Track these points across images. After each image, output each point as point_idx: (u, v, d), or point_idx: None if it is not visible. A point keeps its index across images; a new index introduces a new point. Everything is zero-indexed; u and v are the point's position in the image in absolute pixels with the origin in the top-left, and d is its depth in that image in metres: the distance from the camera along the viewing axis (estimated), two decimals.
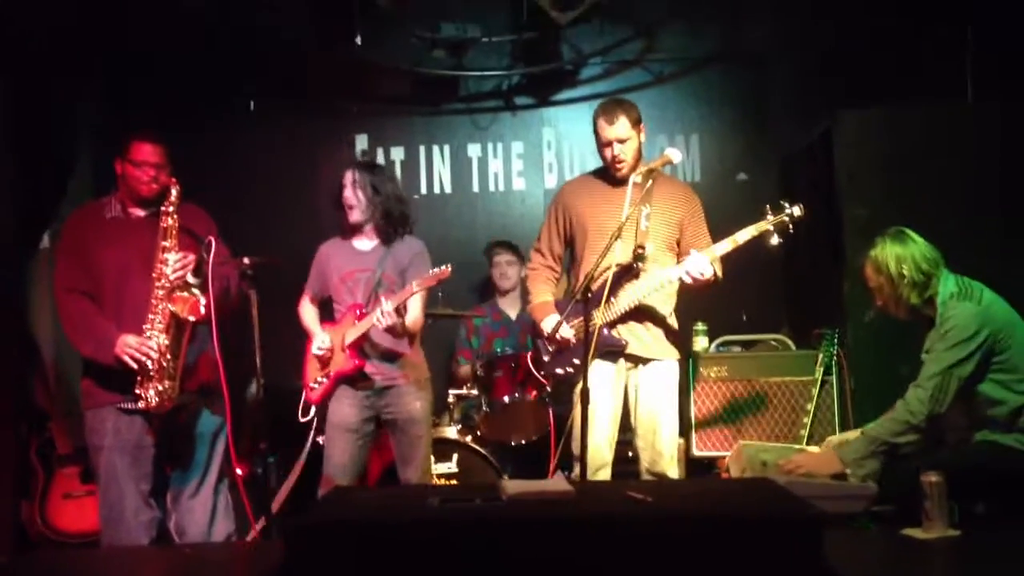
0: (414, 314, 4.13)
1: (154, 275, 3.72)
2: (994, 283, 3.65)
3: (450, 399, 4.98)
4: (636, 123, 3.94)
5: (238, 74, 5.68)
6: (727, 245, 3.87)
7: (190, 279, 3.74)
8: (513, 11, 5.67)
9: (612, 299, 3.90)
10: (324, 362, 4.17)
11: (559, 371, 4.07)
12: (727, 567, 2.52)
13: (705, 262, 3.81)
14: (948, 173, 4.74)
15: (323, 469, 4.19)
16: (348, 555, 2.56)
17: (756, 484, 3.41)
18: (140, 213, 3.87)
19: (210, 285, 3.72)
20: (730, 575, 2.50)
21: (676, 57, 5.82)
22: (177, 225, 3.76)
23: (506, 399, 4.66)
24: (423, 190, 5.92)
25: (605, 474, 4.01)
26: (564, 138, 5.91)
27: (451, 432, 4.83)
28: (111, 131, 5.26)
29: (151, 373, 3.67)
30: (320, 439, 4.41)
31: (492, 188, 5.94)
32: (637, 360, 4.02)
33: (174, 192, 3.77)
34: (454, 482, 4.71)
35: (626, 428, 4.10)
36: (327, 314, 4.31)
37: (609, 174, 4.04)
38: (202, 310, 3.69)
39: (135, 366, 3.65)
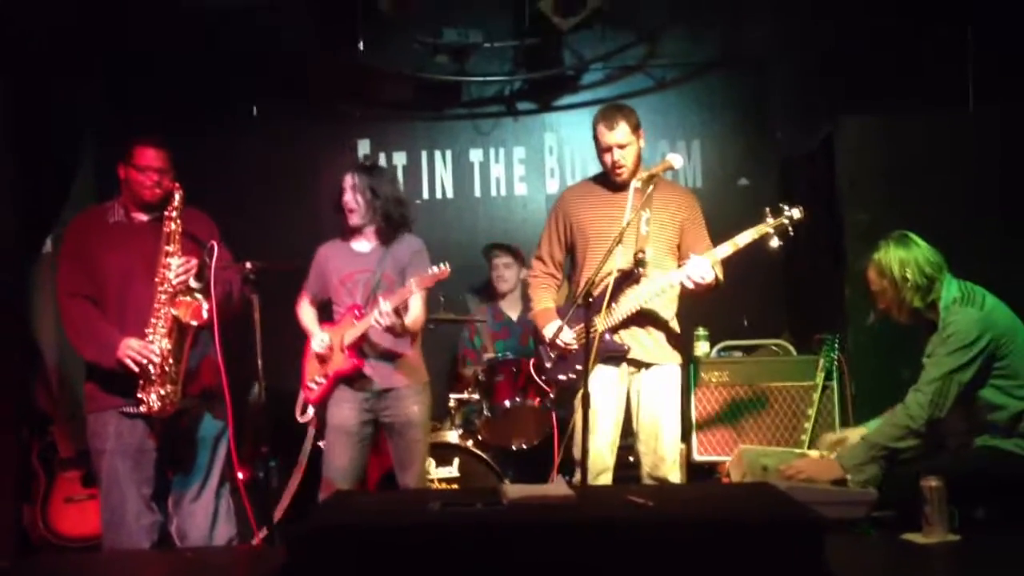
0: (415, 313, 4.13)
1: (157, 279, 3.72)
2: (995, 288, 3.66)
3: (451, 403, 4.98)
4: (636, 128, 3.95)
5: (241, 79, 5.70)
6: (727, 248, 3.88)
7: (192, 283, 3.76)
8: (515, 17, 5.69)
9: (613, 304, 3.90)
10: (324, 361, 4.18)
11: (561, 377, 4.08)
12: (728, 572, 2.53)
13: (706, 266, 3.82)
14: (949, 178, 4.76)
15: (323, 472, 4.20)
16: (350, 560, 2.57)
17: (757, 489, 3.40)
18: (143, 218, 3.88)
19: (212, 289, 3.73)
20: None
21: (677, 62, 5.83)
22: (180, 230, 3.77)
23: (507, 403, 4.66)
24: (425, 195, 5.93)
25: (606, 479, 4.02)
26: (566, 143, 5.92)
27: (452, 436, 4.83)
28: (113, 135, 5.28)
29: (153, 377, 3.67)
30: (321, 443, 4.42)
31: (494, 193, 5.95)
32: (639, 365, 4.02)
33: (177, 197, 3.78)
34: (455, 486, 4.71)
35: (627, 433, 4.10)
36: (326, 316, 4.32)
37: (609, 180, 4.05)
38: (204, 314, 3.70)
39: (137, 370, 3.66)
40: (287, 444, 4.66)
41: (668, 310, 4.05)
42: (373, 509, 3.03)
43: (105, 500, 3.83)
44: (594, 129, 3.99)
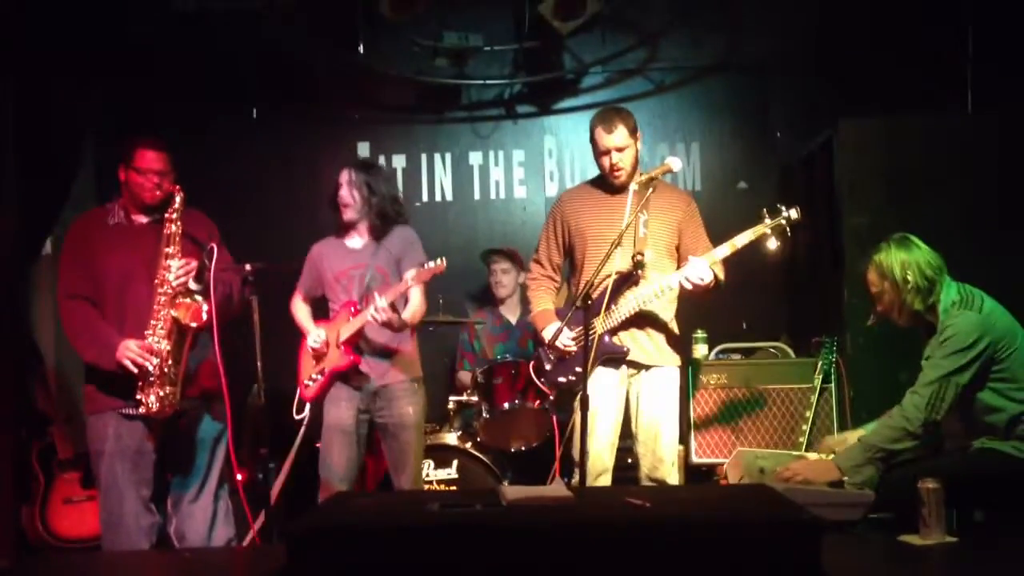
0: (414, 305, 4.14)
1: (156, 281, 3.73)
2: (993, 290, 3.66)
3: (450, 406, 4.99)
4: (633, 131, 3.96)
5: (241, 81, 5.71)
6: (726, 249, 3.89)
7: (192, 285, 3.76)
8: (515, 20, 5.70)
9: (612, 306, 3.92)
10: (319, 357, 4.18)
11: (561, 379, 4.09)
12: (725, 573, 2.53)
13: (704, 267, 3.83)
14: (948, 181, 4.78)
15: (320, 473, 4.20)
16: (349, 561, 2.58)
17: (754, 491, 3.41)
18: (143, 219, 3.89)
19: (212, 291, 3.73)
20: None
21: (677, 66, 5.84)
22: (180, 231, 3.77)
23: (506, 406, 4.66)
24: (425, 198, 5.94)
25: (605, 480, 4.03)
26: (565, 146, 5.93)
27: (451, 438, 4.84)
28: (114, 137, 5.29)
29: (152, 379, 3.68)
30: (317, 444, 4.41)
31: (493, 196, 5.96)
32: (639, 367, 4.03)
33: (178, 199, 3.78)
34: (454, 488, 4.72)
35: (626, 434, 4.12)
36: (322, 312, 4.32)
37: (607, 183, 4.06)
38: (204, 316, 3.70)
39: (136, 371, 3.67)
40: (286, 446, 4.66)
41: (667, 312, 4.07)
42: (372, 510, 3.03)
43: (104, 501, 3.84)
44: (592, 132, 4.00)
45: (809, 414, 4.75)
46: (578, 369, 3.89)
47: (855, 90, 5.45)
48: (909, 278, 3.60)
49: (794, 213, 3.86)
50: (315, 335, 4.17)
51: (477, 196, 5.96)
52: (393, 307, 3.96)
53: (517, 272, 5.29)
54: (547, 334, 4.02)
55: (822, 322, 5.08)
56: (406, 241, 4.23)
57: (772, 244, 3.89)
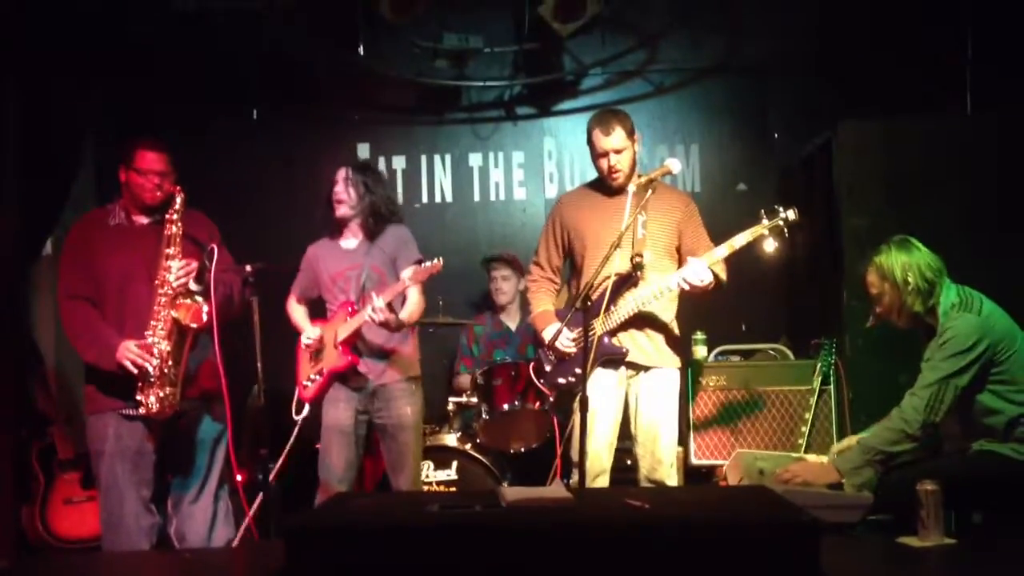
0: (412, 304, 4.14)
1: (157, 282, 3.74)
2: (992, 292, 3.67)
3: (450, 407, 4.99)
4: (631, 133, 3.97)
5: (241, 82, 5.71)
6: (724, 250, 3.89)
7: (193, 286, 3.76)
8: (515, 22, 5.71)
9: (612, 307, 3.92)
10: (318, 359, 4.18)
11: (561, 380, 4.09)
12: (724, 575, 2.54)
13: (702, 268, 3.83)
14: (947, 183, 4.78)
15: (319, 474, 4.20)
16: (349, 561, 2.58)
17: (753, 492, 3.42)
18: (144, 220, 3.89)
19: (212, 292, 3.74)
20: None
21: (677, 68, 5.85)
22: (181, 232, 3.78)
23: (505, 407, 4.66)
24: (424, 199, 5.95)
25: (603, 481, 4.03)
26: (565, 148, 5.93)
27: (451, 440, 4.84)
28: (114, 137, 5.30)
29: (152, 379, 3.68)
30: (316, 445, 4.41)
31: (493, 197, 5.97)
32: (638, 368, 4.04)
33: (179, 200, 3.79)
34: (453, 489, 4.72)
35: (625, 436, 4.12)
36: (320, 313, 4.33)
37: (605, 185, 4.06)
38: (204, 317, 3.71)
39: (136, 372, 3.67)
40: (286, 447, 4.66)
41: (667, 313, 4.07)
42: (372, 511, 3.03)
43: (104, 502, 3.84)
44: (589, 135, 4.01)
45: (808, 416, 4.75)
46: (578, 370, 3.90)
47: (854, 92, 5.46)
48: (910, 280, 3.60)
49: (791, 214, 3.87)
50: (309, 332, 4.18)
51: (477, 197, 5.96)
52: (391, 307, 3.96)
53: (518, 279, 5.29)
54: (547, 335, 4.03)
55: (821, 324, 5.08)
56: (400, 240, 4.23)
57: (770, 245, 3.90)
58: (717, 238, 4.00)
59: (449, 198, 5.96)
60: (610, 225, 3.91)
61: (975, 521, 3.73)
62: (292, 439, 4.38)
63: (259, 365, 3.85)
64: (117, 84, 5.58)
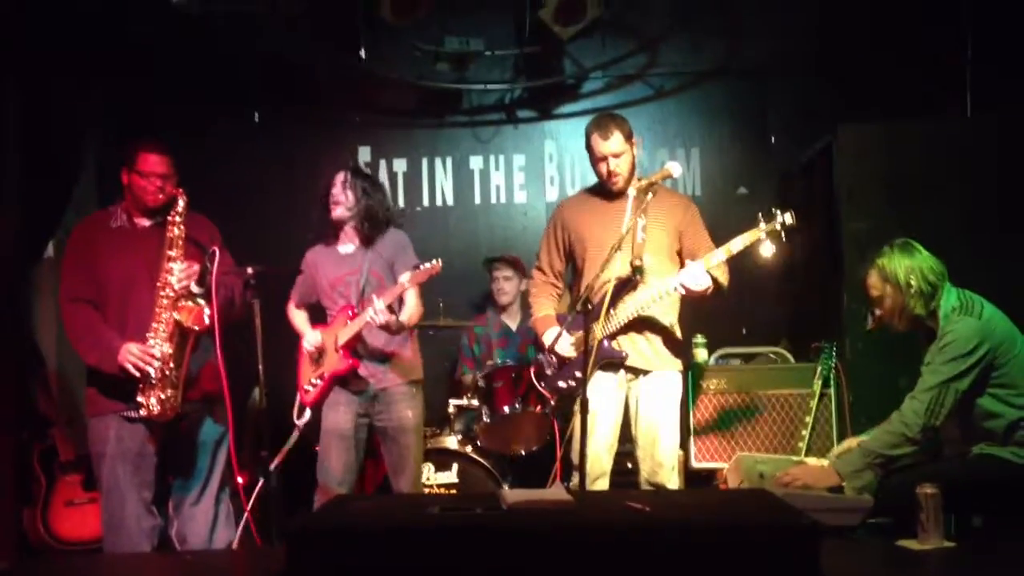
0: (410, 308, 4.14)
1: (159, 284, 3.74)
2: (992, 296, 3.67)
3: (451, 409, 4.99)
4: (629, 137, 3.98)
5: (243, 84, 5.72)
6: (721, 254, 3.88)
7: (194, 288, 3.77)
8: (516, 25, 5.72)
9: (612, 311, 3.92)
10: (319, 362, 4.19)
11: (562, 384, 4.10)
12: None
13: (700, 272, 3.83)
14: (947, 186, 4.78)
15: (318, 477, 4.20)
16: (349, 563, 2.58)
17: (753, 495, 3.42)
18: (146, 223, 3.90)
19: (214, 294, 3.74)
20: None
21: (677, 71, 5.86)
22: (183, 235, 3.78)
23: (506, 410, 4.66)
24: (425, 202, 5.95)
25: (603, 484, 4.03)
26: (565, 151, 5.94)
27: (451, 442, 4.84)
28: (115, 139, 5.30)
29: (154, 381, 3.69)
30: (316, 448, 4.41)
31: (494, 200, 5.97)
32: (637, 371, 4.04)
33: (181, 203, 3.80)
34: (454, 492, 4.72)
35: (626, 439, 4.13)
36: (320, 318, 4.33)
37: (605, 189, 4.07)
38: (206, 319, 3.71)
39: (138, 374, 3.68)
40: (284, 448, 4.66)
41: (668, 316, 4.07)
42: (373, 513, 3.04)
43: (105, 504, 3.85)
44: (588, 139, 4.01)
45: (809, 419, 4.76)
46: (578, 374, 3.90)
47: (854, 94, 5.47)
48: (912, 283, 3.60)
49: (788, 218, 3.85)
50: (310, 338, 4.19)
51: (478, 200, 5.97)
52: (391, 309, 3.97)
53: (519, 280, 5.30)
54: (547, 339, 4.04)
55: (822, 327, 5.09)
56: (397, 244, 4.23)
57: (767, 249, 3.88)
58: (717, 241, 4.01)
59: (450, 201, 5.97)
60: (610, 229, 3.91)
61: (975, 524, 3.73)
62: (291, 441, 4.39)
63: (260, 367, 3.85)
64: (117, 84, 5.59)
